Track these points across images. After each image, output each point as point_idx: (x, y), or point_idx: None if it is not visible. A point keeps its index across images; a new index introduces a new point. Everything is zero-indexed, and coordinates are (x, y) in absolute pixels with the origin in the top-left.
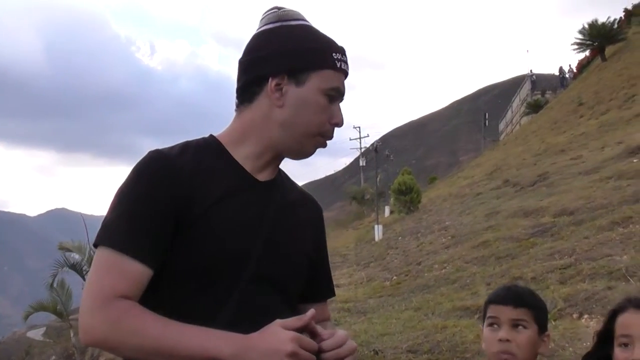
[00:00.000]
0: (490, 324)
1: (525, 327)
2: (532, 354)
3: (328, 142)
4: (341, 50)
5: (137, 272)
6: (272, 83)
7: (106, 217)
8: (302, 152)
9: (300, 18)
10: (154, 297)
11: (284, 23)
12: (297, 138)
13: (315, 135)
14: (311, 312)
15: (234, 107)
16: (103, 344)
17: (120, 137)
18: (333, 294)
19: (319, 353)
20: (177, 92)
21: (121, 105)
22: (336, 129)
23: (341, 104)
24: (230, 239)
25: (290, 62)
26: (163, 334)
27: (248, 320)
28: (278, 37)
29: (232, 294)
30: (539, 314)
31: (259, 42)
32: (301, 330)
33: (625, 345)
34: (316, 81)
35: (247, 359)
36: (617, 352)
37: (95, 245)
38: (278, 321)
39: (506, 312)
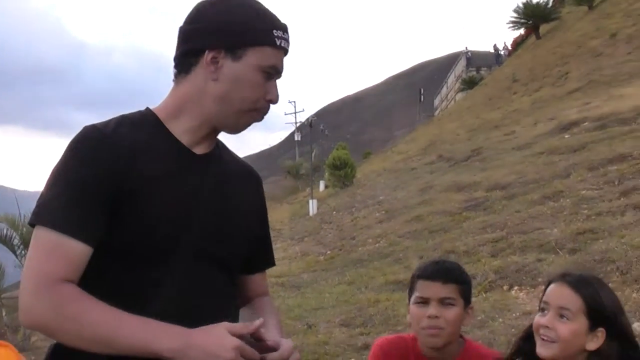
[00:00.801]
0: (419, 302)
1: (453, 304)
2: (458, 327)
3: (265, 117)
4: (283, 28)
5: (77, 251)
6: (208, 56)
7: (42, 195)
8: (236, 127)
9: None
10: (94, 275)
11: None
12: (231, 113)
13: (250, 111)
14: (259, 321)
15: (172, 77)
16: (43, 329)
17: (52, 111)
18: (274, 264)
19: None
20: (111, 66)
21: (52, 79)
22: (274, 105)
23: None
24: (168, 214)
25: (229, 36)
26: (102, 322)
27: (189, 296)
28: (219, 10)
29: (171, 269)
30: (465, 289)
31: (201, 13)
32: (243, 336)
33: (543, 310)
34: (253, 57)
35: (188, 357)
36: (536, 317)
37: (32, 225)
38: (225, 324)
39: (435, 289)
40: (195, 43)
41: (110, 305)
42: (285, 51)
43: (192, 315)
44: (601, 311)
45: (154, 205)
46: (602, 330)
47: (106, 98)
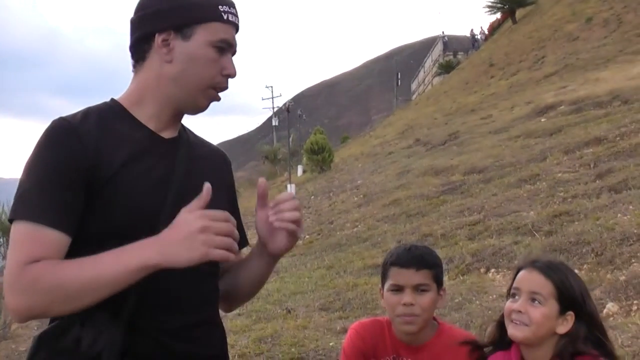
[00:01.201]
0: (394, 289)
1: (427, 290)
2: (432, 311)
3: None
4: (228, 3)
5: (54, 239)
6: (159, 39)
7: (17, 191)
8: (196, 106)
9: None
10: None
11: None
12: (189, 92)
13: (208, 88)
14: (207, 185)
15: (131, 67)
16: (31, 312)
17: (29, 97)
18: (247, 244)
19: (277, 204)
20: (85, 51)
21: (26, 65)
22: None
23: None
24: (140, 199)
25: (175, 17)
26: (81, 272)
27: (168, 278)
28: None
29: None
30: (438, 272)
31: (146, 0)
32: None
33: (514, 296)
34: (203, 34)
35: (170, 254)
36: (507, 302)
37: (10, 221)
38: (182, 209)
39: (409, 277)
40: (144, 29)
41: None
42: (235, 26)
43: (174, 292)
44: (571, 295)
45: (129, 191)
46: (572, 313)
47: (82, 83)
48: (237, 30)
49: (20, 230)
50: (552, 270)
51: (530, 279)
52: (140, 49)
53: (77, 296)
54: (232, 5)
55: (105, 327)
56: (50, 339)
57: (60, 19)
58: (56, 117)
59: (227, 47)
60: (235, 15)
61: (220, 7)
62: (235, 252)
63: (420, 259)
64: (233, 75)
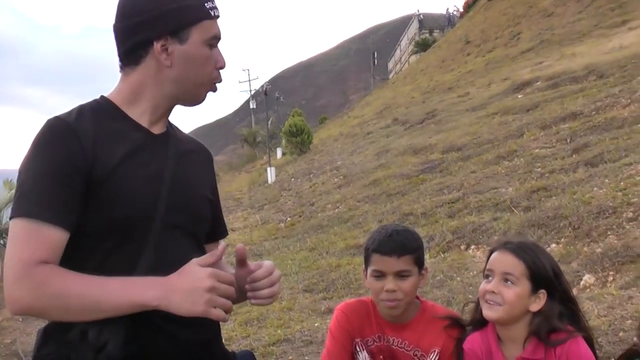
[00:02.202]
0: (376, 275)
1: (409, 275)
2: (415, 293)
3: (218, 86)
4: None
5: (53, 236)
6: (157, 46)
7: (17, 190)
8: (196, 100)
9: None
10: (74, 258)
11: None
12: (190, 90)
13: (206, 83)
14: (222, 245)
15: (119, 69)
16: (30, 311)
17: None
18: (227, 233)
19: (252, 283)
20: (62, 41)
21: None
22: (225, 71)
23: (229, 47)
24: (136, 195)
25: (171, 22)
26: (86, 291)
27: (165, 267)
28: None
29: (146, 246)
30: (419, 255)
31: (135, 7)
32: (215, 265)
33: (487, 277)
34: (197, 35)
35: (171, 300)
36: (482, 284)
37: (10, 219)
38: (194, 260)
39: (390, 264)
40: (140, 37)
41: (89, 275)
42: (218, 17)
43: None
44: (542, 274)
45: (125, 187)
46: (544, 292)
47: (60, 73)
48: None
49: (20, 227)
50: (524, 251)
51: (503, 260)
52: (135, 55)
53: (76, 311)
54: None
55: (109, 318)
56: (56, 332)
57: (32, 9)
58: (30, 106)
59: (217, 41)
60: (217, 7)
61: (206, 4)
62: (231, 311)
63: (401, 245)
64: (224, 66)
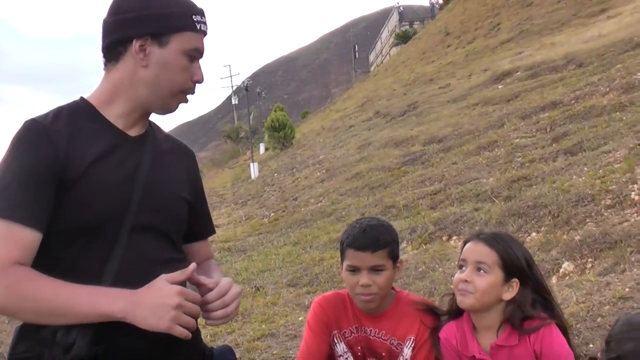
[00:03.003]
0: (351, 270)
1: (383, 269)
2: (390, 285)
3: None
4: (200, 12)
5: (28, 238)
6: (136, 44)
7: None
8: (167, 109)
9: None
10: (45, 258)
11: None
12: (161, 96)
13: (179, 93)
14: (192, 265)
15: (102, 66)
16: (2, 310)
17: None
18: (214, 232)
19: (205, 304)
20: (44, 40)
21: None
22: (206, 68)
23: (209, 44)
24: (107, 198)
25: (154, 24)
26: (56, 296)
27: (136, 267)
28: (142, 0)
29: (115, 247)
30: (394, 248)
31: (124, 4)
32: (184, 283)
33: (461, 267)
34: (178, 43)
35: (137, 314)
36: (456, 274)
37: None
38: (163, 276)
39: (364, 259)
40: (122, 33)
41: (61, 280)
42: (205, 34)
43: (145, 281)
44: (514, 263)
45: (96, 189)
46: (516, 280)
47: (40, 73)
48: (205, 36)
49: None
50: (496, 241)
51: (476, 250)
52: (115, 50)
53: (46, 315)
54: (204, 14)
55: None
56: (30, 330)
57: (13, 9)
58: (13, 104)
59: (198, 55)
60: (205, 24)
61: (194, 16)
62: (194, 330)
63: (375, 241)
64: (201, 81)
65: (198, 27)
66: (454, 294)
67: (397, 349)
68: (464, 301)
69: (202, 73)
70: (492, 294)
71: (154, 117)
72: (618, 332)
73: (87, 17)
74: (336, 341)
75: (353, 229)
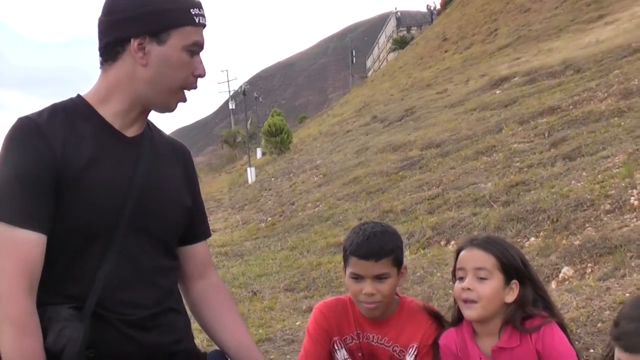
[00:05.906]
0: (354, 278)
1: (387, 277)
2: (394, 293)
3: (198, 88)
4: (198, 5)
5: (32, 241)
6: (134, 43)
7: None
8: (166, 107)
9: None
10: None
11: None
12: (162, 94)
13: (179, 90)
14: None
15: (99, 64)
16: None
17: None
18: (210, 234)
19: None
20: (40, 44)
21: None
22: (202, 78)
23: (207, 48)
24: (102, 198)
25: (151, 22)
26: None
27: (129, 271)
28: None
29: (108, 253)
30: (398, 255)
31: (119, 3)
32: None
33: (460, 278)
34: (177, 39)
35: None
36: (455, 285)
37: None
38: None
39: (369, 268)
40: (119, 32)
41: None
42: (204, 26)
43: (136, 287)
44: (513, 264)
45: (92, 190)
46: (516, 282)
47: (40, 74)
48: (204, 29)
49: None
50: (491, 244)
51: (472, 256)
52: (113, 50)
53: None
54: (201, 7)
55: (68, 321)
56: None
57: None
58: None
59: (198, 49)
60: (204, 16)
61: (191, 10)
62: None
63: (379, 249)
64: (203, 75)
65: (196, 20)
66: (454, 306)
67: (399, 355)
68: (471, 313)
69: (203, 67)
70: (497, 300)
71: (154, 118)
72: (628, 311)
73: (87, 18)
74: (337, 347)
75: (356, 236)
